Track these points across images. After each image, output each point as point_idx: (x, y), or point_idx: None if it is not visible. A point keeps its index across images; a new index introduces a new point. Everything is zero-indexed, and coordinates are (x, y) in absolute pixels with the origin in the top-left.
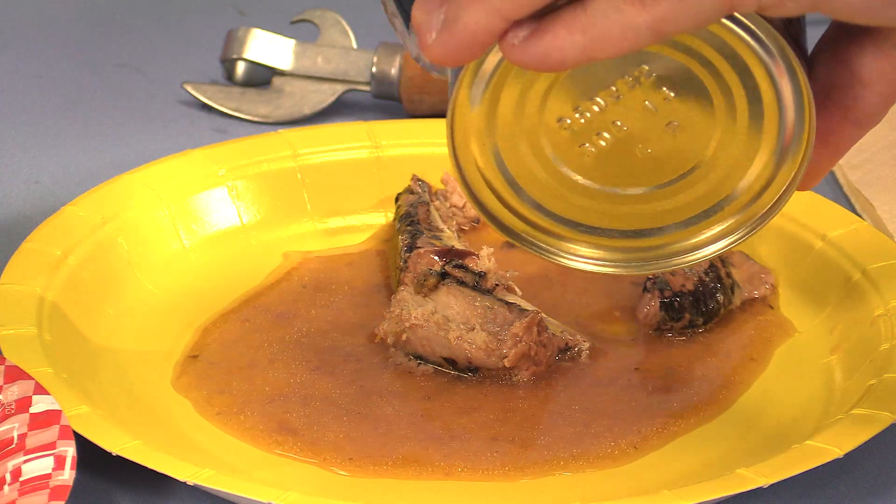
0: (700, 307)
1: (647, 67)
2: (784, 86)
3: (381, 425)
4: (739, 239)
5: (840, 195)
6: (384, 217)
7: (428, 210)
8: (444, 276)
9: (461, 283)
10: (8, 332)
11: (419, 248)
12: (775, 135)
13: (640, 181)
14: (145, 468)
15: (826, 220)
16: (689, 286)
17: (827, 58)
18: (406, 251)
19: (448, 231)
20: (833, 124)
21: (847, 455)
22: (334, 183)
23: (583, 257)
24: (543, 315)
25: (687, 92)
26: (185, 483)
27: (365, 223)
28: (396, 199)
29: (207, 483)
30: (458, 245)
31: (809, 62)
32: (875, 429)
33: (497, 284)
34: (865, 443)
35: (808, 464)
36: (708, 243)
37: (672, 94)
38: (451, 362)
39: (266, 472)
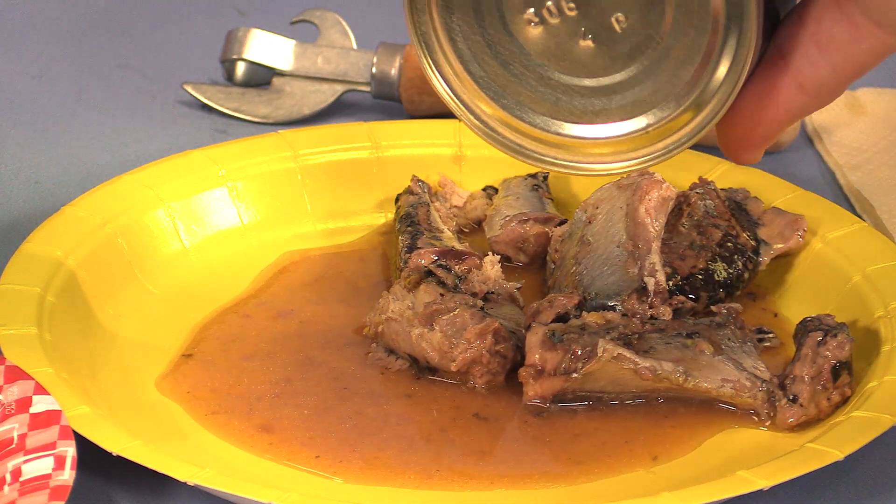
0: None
1: None
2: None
3: (354, 424)
4: (648, 162)
5: (840, 196)
6: (384, 217)
7: (428, 211)
8: (429, 274)
9: (441, 283)
10: (8, 332)
11: (419, 248)
12: (710, 60)
13: (576, 70)
14: (145, 468)
15: (826, 222)
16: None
17: (791, 16)
18: (406, 252)
19: (448, 232)
20: (781, 83)
21: (847, 457)
22: (334, 183)
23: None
24: (504, 326)
25: None
26: (185, 483)
27: (365, 223)
28: (396, 200)
29: (207, 483)
30: (458, 246)
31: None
32: (875, 431)
33: (493, 292)
34: (866, 445)
35: (809, 466)
36: (617, 160)
37: None
38: (413, 360)
39: (262, 471)
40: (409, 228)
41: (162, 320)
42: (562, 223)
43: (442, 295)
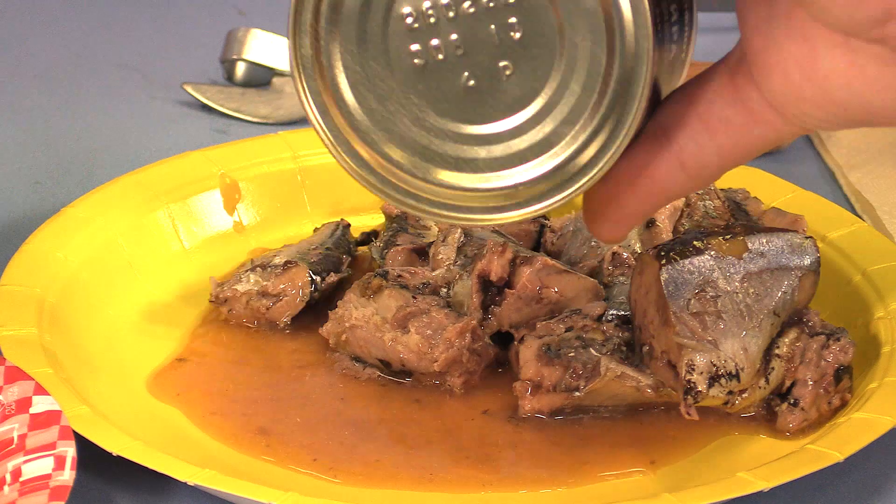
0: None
1: None
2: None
3: (353, 427)
4: (513, 220)
5: (840, 196)
6: (383, 218)
7: None
8: (386, 276)
9: (404, 286)
10: (8, 333)
11: (398, 245)
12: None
13: (454, 114)
14: (145, 468)
15: (826, 221)
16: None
17: (677, 94)
18: (384, 248)
19: (435, 229)
20: (661, 159)
21: (847, 459)
22: (334, 184)
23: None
24: (478, 323)
25: (533, 40)
26: (185, 483)
27: (364, 224)
28: None
29: (207, 483)
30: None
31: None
32: (875, 433)
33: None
34: (866, 447)
35: (809, 467)
36: (483, 213)
37: (518, 35)
38: (386, 364)
39: (261, 473)
40: (393, 225)
41: (162, 321)
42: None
43: (414, 297)
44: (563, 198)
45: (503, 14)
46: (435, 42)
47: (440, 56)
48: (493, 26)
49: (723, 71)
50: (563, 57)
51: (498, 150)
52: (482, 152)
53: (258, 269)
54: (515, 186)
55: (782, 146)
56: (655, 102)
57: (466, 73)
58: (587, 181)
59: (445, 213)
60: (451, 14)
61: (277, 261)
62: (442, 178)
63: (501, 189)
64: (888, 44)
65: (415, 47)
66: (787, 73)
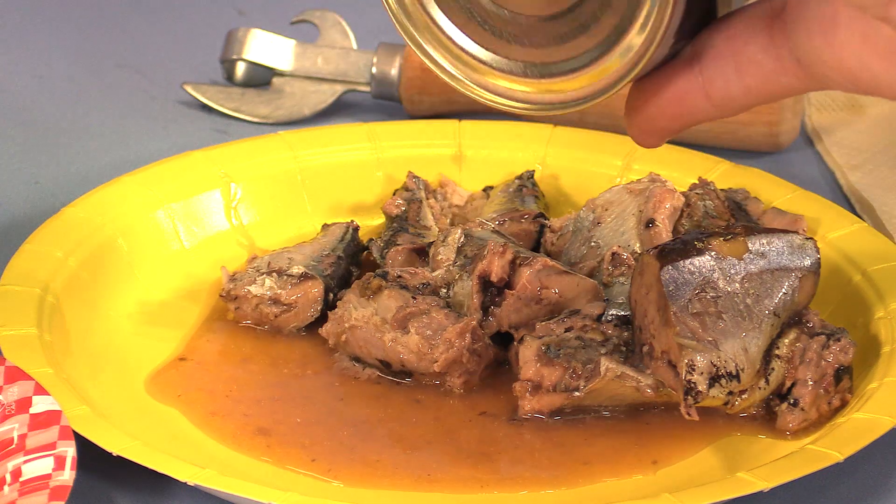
0: None
1: None
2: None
3: (354, 427)
4: (544, 110)
5: (840, 196)
6: (384, 217)
7: (419, 207)
8: (386, 277)
9: (403, 286)
10: (8, 333)
11: (398, 244)
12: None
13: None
14: (145, 468)
15: (826, 222)
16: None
17: (718, 25)
18: (384, 248)
19: (436, 229)
20: (690, 86)
21: (848, 459)
22: (334, 184)
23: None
24: (477, 324)
25: None
26: (185, 483)
27: (365, 224)
28: (393, 196)
29: (207, 483)
30: None
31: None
32: (876, 433)
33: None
34: (866, 447)
35: (809, 468)
36: (516, 97)
37: None
38: (386, 365)
39: (261, 473)
40: (394, 224)
41: (161, 321)
42: (538, 216)
43: (414, 298)
44: (593, 91)
45: None
46: None
47: None
48: None
49: (763, 14)
50: None
51: (547, 33)
52: (532, 32)
53: (274, 274)
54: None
55: (783, 145)
56: (700, 25)
57: None
58: (618, 77)
59: (485, 89)
60: None
61: (295, 271)
62: (484, 55)
63: (529, 74)
64: (891, 23)
65: None
66: (811, 35)
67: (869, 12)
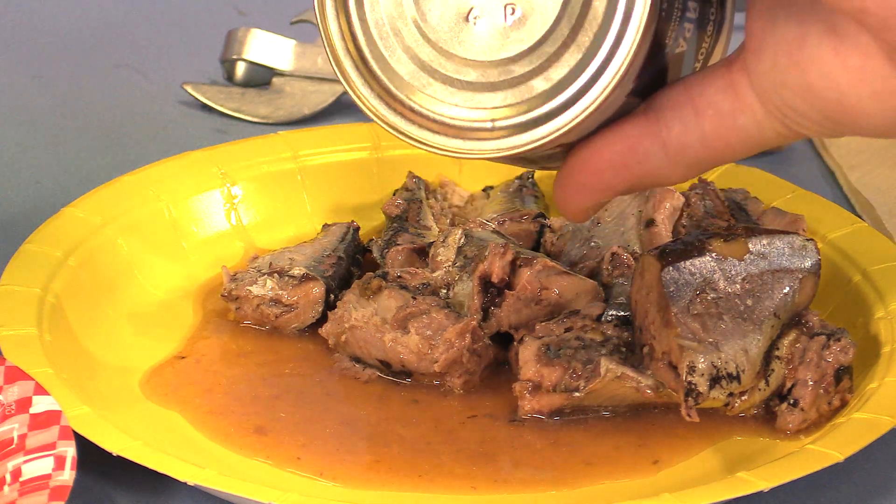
0: None
1: None
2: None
3: (353, 427)
4: (485, 156)
5: (840, 196)
6: (384, 218)
7: (419, 207)
8: (386, 277)
9: (403, 286)
10: (8, 333)
11: (398, 244)
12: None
13: (464, 47)
14: (145, 468)
15: (826, 222)
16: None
17: (675, 82)
18: (384, 248)
19: (436, 229)
20: (645, 133)
21: (848, 459)
22: (334, 184)
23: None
24: (478, 324)
25: None
26: (185, 483)
27: (365, 224)
28: (393, 196)
29: (207, 483)
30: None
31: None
32: (876, 433)
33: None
34: (866, 447)
35: (809, 468)
36: (458, 146)
37: None
38: (386, 365)
39: (261, 473)
40: (394, 224)
41: (161, 321)
42: (538, 216)
43: (414, 298)
44: (539, 137)
45: None
46: None
47: None
48: None
49: (724, 62)
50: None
51: (492, 73)
52: (473, 74)
53: (276, 274)
54: (492, 122)
55: (781, 147)
56: (653, 88)
57: (473, 9)
58: (566, 122)
59: (427, 136)
60: None
61: (296, 272)
62: (434, 92)
63: (481, 118)
64: (866, 23)
65: None
66: (775, 56)
67: (842, 8)
